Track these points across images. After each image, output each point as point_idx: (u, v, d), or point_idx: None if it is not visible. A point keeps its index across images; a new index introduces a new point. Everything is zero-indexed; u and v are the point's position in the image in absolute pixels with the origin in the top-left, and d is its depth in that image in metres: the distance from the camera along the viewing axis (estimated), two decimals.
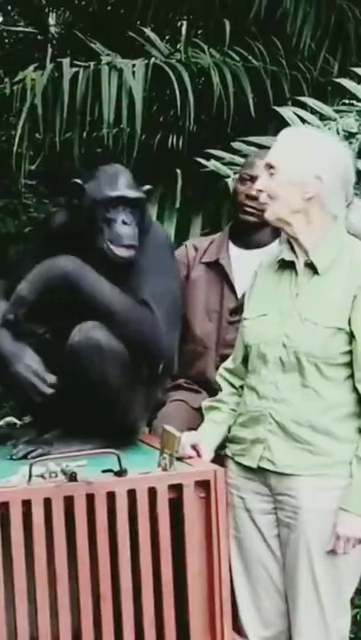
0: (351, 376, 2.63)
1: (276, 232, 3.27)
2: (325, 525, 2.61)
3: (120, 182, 2.91)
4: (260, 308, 2.74)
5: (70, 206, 2.97)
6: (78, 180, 2.92)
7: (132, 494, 2.50)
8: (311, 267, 2.68)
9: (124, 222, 2.88)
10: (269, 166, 2.68)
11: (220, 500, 2.59)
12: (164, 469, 2.56)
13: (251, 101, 4.59)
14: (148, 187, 2.98)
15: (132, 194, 2.91)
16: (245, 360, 2.79)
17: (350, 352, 2.62)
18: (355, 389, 2.63)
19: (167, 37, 5.25)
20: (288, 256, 2.72)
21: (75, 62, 4.63)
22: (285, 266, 2.73)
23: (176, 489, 2.55)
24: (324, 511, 2.61)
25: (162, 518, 2.53)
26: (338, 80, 4.07)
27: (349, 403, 2.63)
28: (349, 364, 2.63)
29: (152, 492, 2.52)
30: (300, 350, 2.62)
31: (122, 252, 2.87)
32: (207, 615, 2.59)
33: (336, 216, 2.70)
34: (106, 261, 2.87)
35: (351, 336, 2.61)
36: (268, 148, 2.82)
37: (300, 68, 4.89)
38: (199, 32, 5.42)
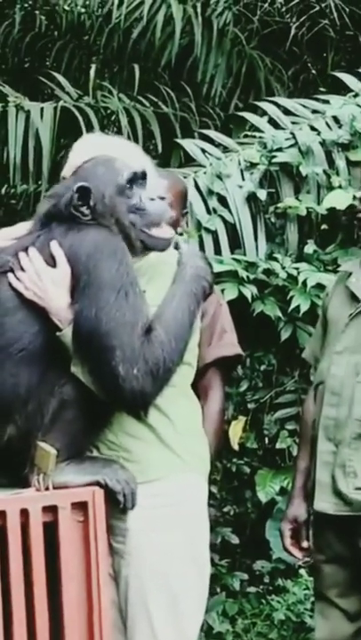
0: None
1: None
2: (158, 549, 2.43)
3: (119, 162, 2.35)
4: None
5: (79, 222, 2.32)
6: (84, 183, 2.30)
7: (2, 517, 2.35)
8: None
9: (152, 198, 2.32)
10: None
11: (100, 523, 2.40)
12: (38, 490, 2.41)
13: (159, 142, 4.57)
14: None
15: (141, 162, 2.37)
16: None
17: None
18: None
19: (80, 84, 5.24)
20: None
21: None
22: None
23: (51, 511, 2.40)
24: (154, 531, 2.43)
25: (35, 543, 2.35)
26: (240, 113, 4.08)
27: None
28: None
29: (25, 515, 2.37)
30: None
31: (165, 234, 2.35)
32: None
33: None
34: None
35: None
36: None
37: (210, 114, 4.91)
38: (110, 77, 5.43)
